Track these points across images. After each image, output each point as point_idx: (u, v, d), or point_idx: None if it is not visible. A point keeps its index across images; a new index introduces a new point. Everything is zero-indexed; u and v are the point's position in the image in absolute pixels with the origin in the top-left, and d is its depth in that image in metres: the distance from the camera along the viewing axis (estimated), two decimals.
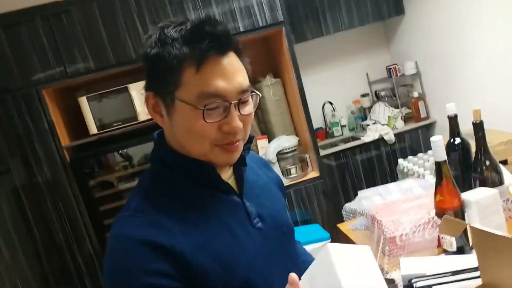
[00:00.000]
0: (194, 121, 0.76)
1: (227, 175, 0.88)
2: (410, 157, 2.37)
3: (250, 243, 0.82)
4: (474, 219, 1.10)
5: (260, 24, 2.61)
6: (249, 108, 0.81)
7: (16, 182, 2.50)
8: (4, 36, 2.38)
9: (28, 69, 2.42)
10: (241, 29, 2.59)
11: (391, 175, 3.31)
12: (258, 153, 2.89)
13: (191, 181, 0.82)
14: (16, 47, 2.40)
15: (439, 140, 1.07)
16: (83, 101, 2.56)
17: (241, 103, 0.79)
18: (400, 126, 3.35)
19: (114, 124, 2.61)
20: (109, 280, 0.73)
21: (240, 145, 0.82)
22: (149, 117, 2.58)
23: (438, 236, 1.15)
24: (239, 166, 0.89)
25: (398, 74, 3.46)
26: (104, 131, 2.59)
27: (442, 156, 1.07)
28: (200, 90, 0.74)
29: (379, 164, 3.33)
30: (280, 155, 2.78)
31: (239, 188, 0.88)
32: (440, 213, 1.11)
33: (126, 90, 2.57)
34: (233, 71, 0.77)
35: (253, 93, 0.82)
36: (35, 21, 2.39)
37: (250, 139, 0.91)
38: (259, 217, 0.87)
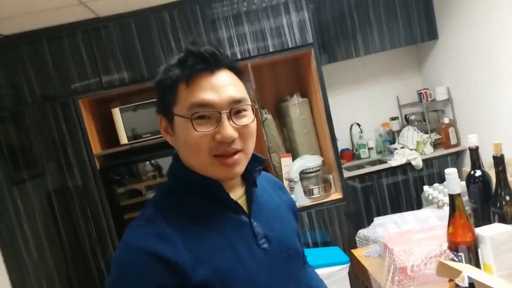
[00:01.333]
0: (187, 132, 0.81)
1: (238, 194, 0.91)
2: (436, 185, 2.31)
3: (253, 262, 0.84)
4: (487, 255, 1.08)
5: (290, 45, 2.65)
6: (246, 120, 0.84)
7: (49, 185, 2.63)
8: (48, 47, 2.54)
9: (67, 80, 2.57)
10: (271, 49, 2.65)
11: (417, 201, 3.23)
12: (281, 171, 2.90)
13: (201, 197, 0.86)
14: (57, 59, 2.55)
15: (453, 173, 1.06)
16: (116, 112, 2.68)
17: (236, 114, 0.83)
18: (429, 152, 3.28)
19: (144, 136, 2.71)
20: (112, 283, 0.77)
21: (241, 158, 0.85)
22: None
23: None
24: (250, 187, 0.92)
25: (429, 99, 3.40)
26: (134, 141, 2.70)
27: (456, 189, 1.06)
28: (189, 101, 0.81)
29: (405, 190, 3.26)
30: (304, 174, 2.78)
31: (249, 208, 0.91)
32: (452, 246, 1.09)
33: None
34: (223, 85, 0.82)
35: (248, 105, 0.85)
36: (76, 35, 2.54)
37: (261, 162, 0.94)
38: (266, 238, 0.88)
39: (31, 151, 2.60)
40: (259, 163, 0.93)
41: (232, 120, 0.82)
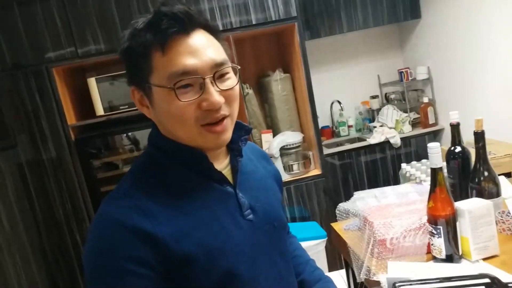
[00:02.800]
0: (170, 103, 0.75)
1: (222, 165, 0.88)
2: (413, 162, 2.35)
3: (238, 233, 0.82)
4: (465, 228, 1.10)
5: (273, 18, 2.60)
6: (230, 82, 0.79)
7: (21, 157, 2.54)
8: (19, 12, 2.41)
9: (40, 47, 2.45)
10: (254, 22, 2.59)
11: (394, 178, 3.30)
12: (262, 146, 2.89)
13: (183, 168, 0.82)
14: (29, 25, 2.42)
15: (436, 147, 1.06)
16: (92, 82, 2.59)
17: (219, 77, 0.78)
18: (407, 130, 3.33)
19: (121, 107, 2.63)
20: (87, 257, 0.74)
21: (228, 124, 0.80)
22: None
23: (428, 243, 1.14)
24: (235, 157, 0.89)
25: (410, 78, 3.43)
26: (111, 113, 2.62)
27: (438, 163, 1.06)
28: (169, 71, 0.74)
29: (383, 167, 3.31)
30: (284, 150, 2.78)
31: (234, 178, 0.88)
32: (431, 220, 1.11)
33: None
34: (201, 47, 0.76)
35: (230, 66, 0.80)
36: (50, 1, 2.41)
37: (247, 131, 0.90)
38: (251, 209, 0.86)
39: (1, 121, 2.49)
40: (245, 132, 0.89)
41: (216, 84, 0.77)
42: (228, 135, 0.82)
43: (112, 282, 0.70)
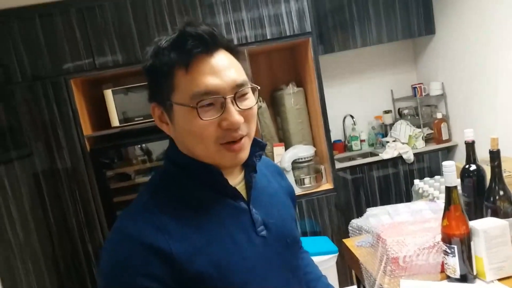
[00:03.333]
0: (192, 121, 0.77)
1: (236, 180, 0.88)
2: (426, 179, 2.33)
3: (251, 250, 0.82)
4: (480, 248, 1.09)
5: (288, 33, 2.63)
6: (249, 102, 0.81)
7: (37, 166, 2.58)
8: (40, 25, 2.47)
9: (59, 59, 2.51)
10: (268, 36, 2.62)
11: (407, 194, 3.26)
12: (273, 159, 2.90)
13: (199, 184, 0.83)
14: (49, 36, 2.49)
15: (451, 165, 1.06)
16: (108, 93, 2.63)
17: (239, 97, 0.79)
18: (421, 146, 3.30)
19: (136, 119, 2.67)
20: (103, 269, 0.75)
21: (246, 143, 0.82)
22: None
23: (442, 261, 1.13)
24: (249, 173, 0.89)
25: (423, 94, 3.42)
26: (126, 124, 2.66)
27: (452, 181, 1.06)
28: (192, 90, 0.76)
29: (396, 183, 3.29)
30: (296, 164, 2.78)
31: (248, 194, 0.88)
32: (446, 239, 1.10)
33: None
34: (223, 68, 0.78)
35: (250, 87, 0.81)
36: (70, 13, 2.48)
37: (262, 147, 0.91)
38: (264, 225, 0.86)
39: (19, 130, 2.55)
40: (260, 148, 0.90)
41: (236, 104, 0.78)
42: (245, 153, 0.83)
43: None
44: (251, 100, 0.82)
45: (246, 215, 0.85)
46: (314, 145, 2.96)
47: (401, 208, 1.42)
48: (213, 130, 0.77)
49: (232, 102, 0.77)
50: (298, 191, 2.77)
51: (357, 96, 3.69)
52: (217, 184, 0.83)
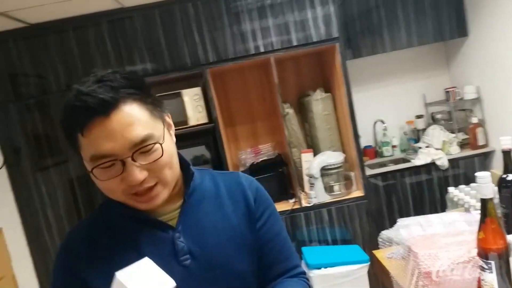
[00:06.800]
0: (96, 180, 0.81)
1: (173, 206, 0.91)
2: (461, 186, 2.24)
3: None
4: None
5: (314, 39, 2.60)
6: (155, 155, 0.80)
7: (71, 173, 2.66)
8: (73, 37, 2.56)
9: (91, 69, 2.57)
10: (295, 43, 2.60)
11: (441, 202, 3.16)
12: (301, 166, 2.87)
13: (122, 215, 0.88)
14: (82, 48, 2.57)
15: (485, 177, 1.00)
16: None
17: (141, 153, 0.79)
18: (455, 152, 3.19)
19: None
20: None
21: (158, 190, 0.83)
22: (200, 122, 2.66)
23: (479, 277, 1.08)
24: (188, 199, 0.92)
25: (457, 98, 3.30)
26: None
27: (488, 193, 1.00)
28: (89, 153, 0.78)
29: (429, 190, 3.18)
30: (324, 170, 2.74)
31: (177, 222, 0.89)
32: (482, 253, 1.04)
33: (179, 95, 2.66)
34: (120, 129, 0.76)
35: (154, 144, 0.80)
36: (101, 25, 2.55)
37: (191, 175, 0.92)
38: (190, 254, 0.87)
39: (55, 138, 2.64)
40: (189, 177, 0.92)
41: (137, 161, 0.78)
42: (159, 199, 0.84)
43: None
44: (157, 152, 0.80)
45: (168, 244, 0.87)
46: (344, 151, 2.91)
47: (434, 219, 1.37)
48: (117, 186, 0.80)
49: (132, 160, 0.78)
50: (327, 198, 2.72)
51: (388, 101, 3.61)
52: (138, 216, 0.87)
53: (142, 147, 0.78)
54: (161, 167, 0.82)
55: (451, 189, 2.29)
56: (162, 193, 0.84)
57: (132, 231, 0.87)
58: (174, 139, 0.90)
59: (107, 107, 0.76)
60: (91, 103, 0.75)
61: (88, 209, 2.68)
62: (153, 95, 0.86)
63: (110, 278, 0.76)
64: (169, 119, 0.91)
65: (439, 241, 1.19)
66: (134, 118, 0.78)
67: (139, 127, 0.78)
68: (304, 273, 1.02)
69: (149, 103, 0.82)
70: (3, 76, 2.58)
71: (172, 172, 0.85)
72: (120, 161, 0.78)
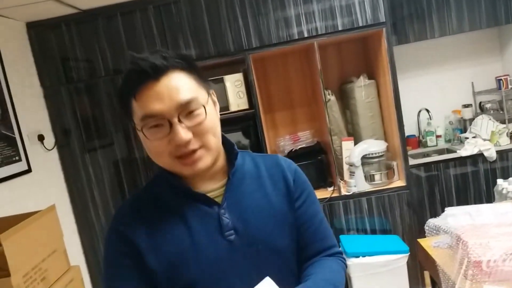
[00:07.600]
0: (145, 141, 0.88)
1: (218, 184, 0.95)
2: (511, 179, 2.15)
3: (211, 251, 0.88)
4: None
5: (360, 24, 2.54)
6: (198, 118, 0.86)
7: (117, 155, 2.77)
8: (121, 22, 2.63)
9: (138, 53, 2.64)
10: (340, 28, 2.55)
11: (487, 195, 3.04)
12: (341, 154, 2.84)
13: (170, 190, 0.93)
14: (129, 33, 2.64)
15: None
16: None
17: (187, 115, 0.85)
18: (505, 143, 3.05)
19: None
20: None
21: (201, 155, 0.87)
22: (240, 108, 2.68)
23: None
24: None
25: (509, 86, 3.14)
26: None
27: None
28: (140, 114, 0.85)
29: (474, 182, 3.07)
30: (366, 159, 2.70)
31: (223, 199, 0.93)
32: None
33: (221, 80, 2.68)
34: (168, 92, 0.84)
35: (198, 108, 0.86)
36: (148, 10, 2.61)
37: (235, 154, 0.96)
38: (234, 230, 0.90)
39: (102, 121, 2.75)
40: (234, 156, 0.96)
41: (183, 122, 0.84)
42: (202, 163, 0.88)
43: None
44: (201, 116, 0.86)
45: (214, 219, 0.90)
46: (386, 140, 2.85)
47: (484, 209, 1.32)
48: (164, 147, 0.86)
49: (179, 121, 0.84)
50: (367, 187, 2.69)
51: (433, 89, 3.48)
52: (184, 190, 0.91)
53: (187, 108, 0.85)
54: (205, 131, 0.87)
55: (500, 181, 2.20)
56: (205, 157, 0.89)
57: (179, 204, 0.91)
58: (219, 115, 0.95)
59: (158, 72, 0.84)
60: (143, 65, 0.84)
61: (132, 190, 2.78)
62: (200, 71, 0.92)
63: (159, 247, 0.86)
64: (214, 97, 0.96)
65: (490, 231, 1.16)
66: (180, 84, 0.86)
67: (185, 91, 0.85)
68: (341, 253, 1.04)
69: (195, 75, 0.90)
70: (55, 60, 2.70)
71: (216, 140, 0.90)
72: (168, 122, 0.84)
